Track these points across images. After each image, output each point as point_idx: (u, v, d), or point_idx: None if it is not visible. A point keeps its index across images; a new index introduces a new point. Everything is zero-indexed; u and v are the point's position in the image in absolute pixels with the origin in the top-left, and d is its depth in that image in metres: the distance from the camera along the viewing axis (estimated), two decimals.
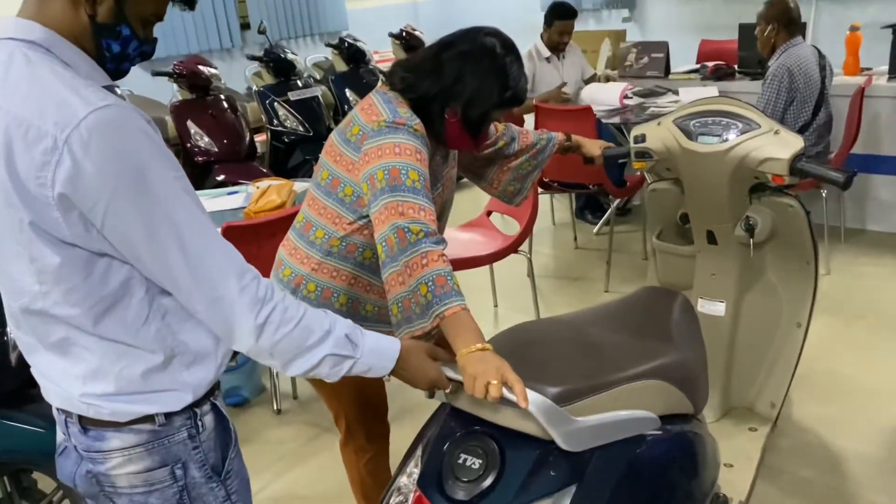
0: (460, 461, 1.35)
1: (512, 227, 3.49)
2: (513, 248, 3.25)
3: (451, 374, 1.37)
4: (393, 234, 1.50)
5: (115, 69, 1.18)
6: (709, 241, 2.18)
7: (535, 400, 1.27)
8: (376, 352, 1.29)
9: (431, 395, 1.45)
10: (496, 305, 3.88)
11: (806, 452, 2.56)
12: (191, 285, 1.11)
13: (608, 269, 3.98)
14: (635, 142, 2.04)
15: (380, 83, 1.78)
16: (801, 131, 3.71)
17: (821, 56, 3.78)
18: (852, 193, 4.30)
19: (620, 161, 2.19)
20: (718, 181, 2.05)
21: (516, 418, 1.32)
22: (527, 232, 3.30)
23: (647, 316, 1.72)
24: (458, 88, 1.66)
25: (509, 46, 1.72)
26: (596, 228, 4.77)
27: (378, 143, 1.60)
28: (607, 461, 1.37)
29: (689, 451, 1.59)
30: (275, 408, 3.09)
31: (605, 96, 4.41)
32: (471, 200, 4.20)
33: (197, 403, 1.23)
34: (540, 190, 3.96)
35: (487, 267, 3.62)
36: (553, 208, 5.08)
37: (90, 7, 1.10)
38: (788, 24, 3.73)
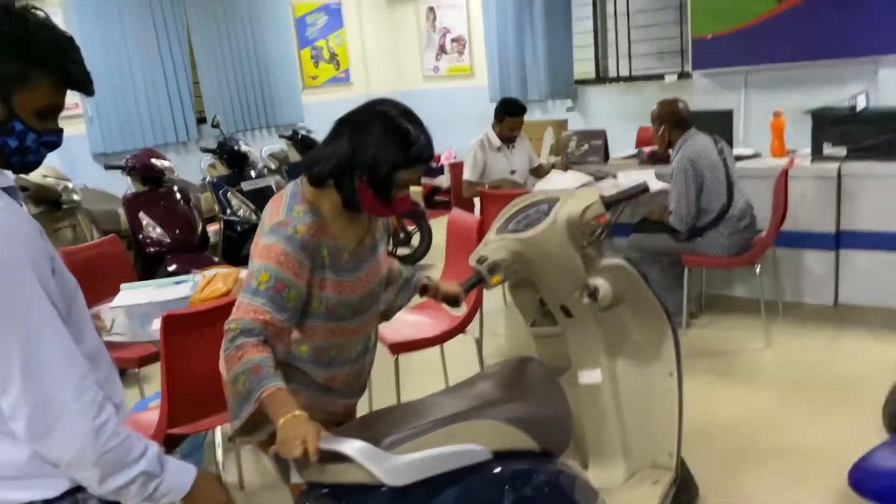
0: None
1: (461, 308, 3.56)
2: (460, 328, 3.31)
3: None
4: (226, 331, 1.67)
5: (21, 162, 1.26)
6: (566, 315, 2.36)
7: (354, 446, 1.43)
8: (178, 473, 1.34)
9: (288, 480, 1.57)
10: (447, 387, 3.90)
11: None
12: (25, 387, 1.15)
13: None
14: (480, 263, 2.20)
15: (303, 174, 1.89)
16: (722, 214, 3.92)
17: (716, 142, 4.03)
18: (787, 269, 4.49)
19: (479, 285, 2.30)
20: (559, 252, 2.23)
21: (349, 471, 1.46)
22: (473, 313, 3.37)
23: (495, 380, 1.90)
24: (358, 156, 1.75)
25: (403, 110, 1.80)
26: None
27: (259, 243, 1.77)
28: (440, 493, 1.51)
29: (537, 486, 1.69)
30: None
31: (562, 185, 4.58)
32: None
33: (80, 488, 1.24)
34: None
35: (439, 350, 3.66)
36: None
37: None
38: (679, 123, 4.03)
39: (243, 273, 3.12)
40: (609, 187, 4.51)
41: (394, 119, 1.77)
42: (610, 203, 2.29)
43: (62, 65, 1.24)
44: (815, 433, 3.13)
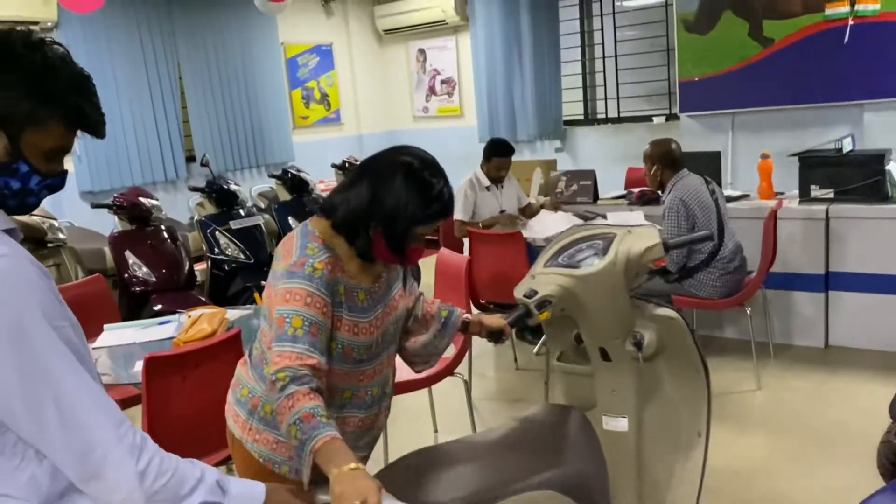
0: None
1: (449, 350, 3.52)
2: (449, 370, 3.26)
3: (325, 498, 1.39)
4: (271, 381, 1.58)
5: (19, 204, 1.18)
6: (603, 358, 2.26)
7: None
8: (243, 496, 1.29)
9: None
10: (436, 430, 3.84)
11: None
12: (64, 440, 1.10)
13: (547, 389, 4.00)
14: (528, 297, 2.09)
15: (314, 216, 1.84)
16: (713, 255, 3.92)
17: (707, 182, 4.05)
18: (777, 310, 4.49)
19: (525, 320, 2.21)
20: (613, 293, 2.15)
21: None
22: (461, 354, 3.33)
23: (542, 431, 1.78)
24: (375, 206, 1.70)
25: (428, 163, 1.74)
26: (535, 349, 4.83)
27: (278, 287, 1.68)
28: None
29: None
30: None
31: (552, 225, 4.58)
32: None
33: None
34: (476, 311, 4.02)
35: (427, 392, 3.61)
36: None
37: None
38: (671, 163, 4.05)
39: (230, 313, 3.09)
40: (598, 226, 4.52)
41: (417, 172, 1.71)
42: (668, 247, 2.19)
43: (78, 106, 1.18)
44: (807, 480, 3.09)
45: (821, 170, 4.44)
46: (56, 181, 1.21)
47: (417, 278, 5.94)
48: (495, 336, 2.18)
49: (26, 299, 1.07)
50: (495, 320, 2.16)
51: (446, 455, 1.72)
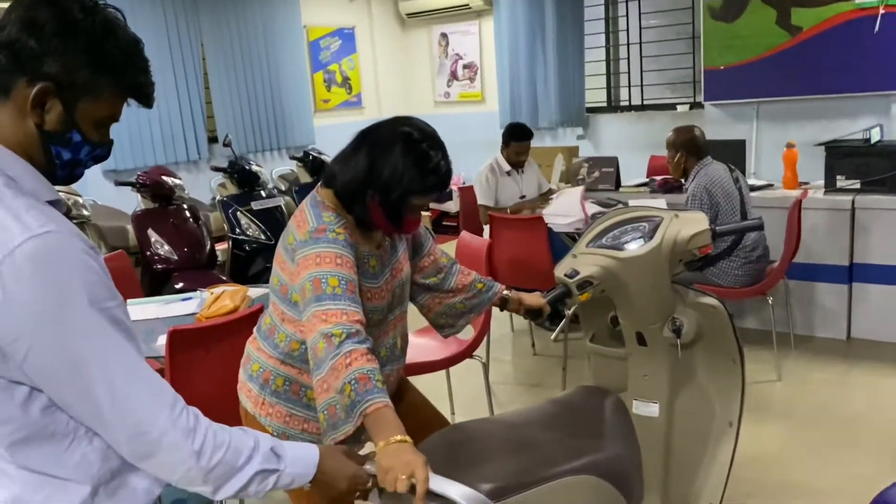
0: None
1: (467, 332, 3.52)
2: (467, 353, 3.27)
3: (372, 470, 1.38)
4: (321, 340, 1.56)
5: (67, 175, 1.16)
6: (639, 342, 2.22)
7: (468, 495, 1.28)
8: (298, 460, 1.28)
9: (366, 498, 1.44)
10: (453, 413, 3.85)
11: None
12: (117, 420, 1.08)
13: (564, 374, 4.00)
14: (569, 277, 2.06)
15: (318, 185, 1.85)
16: (735, 244, 3.88)
17: (731, 170, 4.00)
18: (799, 301, 4.45)
19: (564, 299, 2.18)
20: (656, 277, 2.11)
21: None
22: (480, 337, 3.33)
23: (579, 414, 1.75)
24: (373, 175, 1.70)
25: (428, 134, 1.74)
26: (553, 335, 4.74)
27: (304, 254, 1.68)
28: None
29: None
30: None
31: (566, 204, 4.55)
32: None
33: None
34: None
35: (444, 375, 3.61)
36: (512, 315, 5.13)
37: (37, 116, 1.08)
38: (695, 150, 4.00)
39: (251, 291, 3.10)
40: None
41: (416, 143, 1.70)
42: (716, 234, 2.15)
43: (133, 75, 1.13)
44: (829, 470, 3.06)
45: (848, 160, 4.38)
46: (104, 151, 1.18)
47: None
48: (533, 314, 2.16)
49: (70, 280, 1.03)
50: (535, 298, 2.14)
51: (483, 433, 1.70)
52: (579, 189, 4.65)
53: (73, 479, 1.11)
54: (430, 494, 1.30)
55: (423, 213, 7.28)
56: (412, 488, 1.30)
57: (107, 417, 1.08)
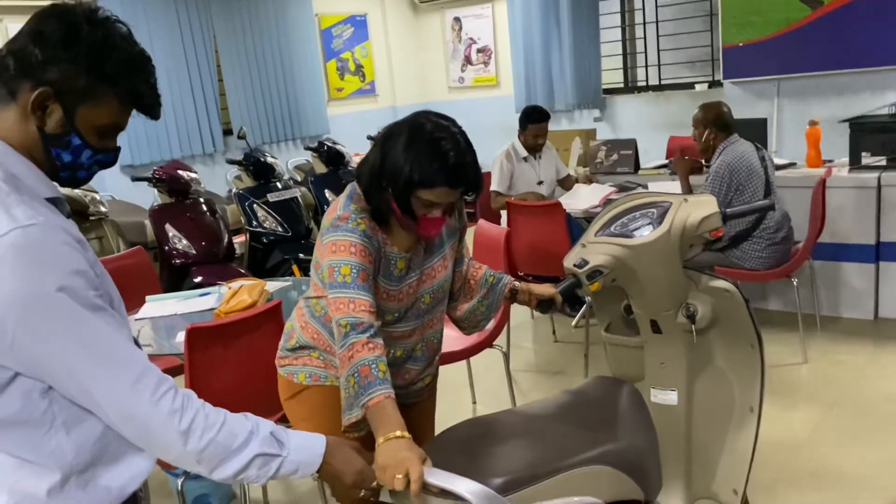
0: None
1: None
2: (487, 342, 3.24)
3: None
4: (334, 327, 1.64)
5: (70, 177, 1.21)
6: (654, 330, 2.18)
7: (475, 490, 1.28)
8: (303, 448, 1.28)
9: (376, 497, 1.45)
10: (475, 402, 3.84)
11: None
12: (106, 404, 1.13)
13: (586, 361, 3.96)
14: (579, 267, 2.02)
15: None
16: (758, 224, 3.81)
17: (758, 149, 3.92)
18: (824, 282, 4.37)
19: (575, 290, 2.15)
20: (667, 263, 2.07)
21: None
22: (500, 327, 3.30)
23: (594, 405, 1.74)
24: (384, 165, 1.69)
25: (440, 126, 1.70)
26: (574, 321, 4.78)
27: (323, 241, 1.74)
28: None
29: None
30: None
31: (587, 198, 4.52)
32: None
33: None
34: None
35: (465, 364, 3.59)
36: None
37: (38, 119, 1.14)
38: (723, 127, 3.92)
39: (269, 285, 3.09)
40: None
41: (424, 133, 1.67)
42: (727, 217, 2.10)
43: (134, 86, 1.20)
44: (857, 454, 3.01)
45: (873, 136, 4.29)
46: (108, 157, 1.23)
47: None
48: (544, 305, 2.12)
49: (47, 267, 1.07)
50: (545, 289, 2.11)
51: (498, 426, 1.70)
52: (603, 186, 4.58)
53: (43, 465, 1.15)
54: (439, 490, 1.30)
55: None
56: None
57: (97, 402, 1.13)
